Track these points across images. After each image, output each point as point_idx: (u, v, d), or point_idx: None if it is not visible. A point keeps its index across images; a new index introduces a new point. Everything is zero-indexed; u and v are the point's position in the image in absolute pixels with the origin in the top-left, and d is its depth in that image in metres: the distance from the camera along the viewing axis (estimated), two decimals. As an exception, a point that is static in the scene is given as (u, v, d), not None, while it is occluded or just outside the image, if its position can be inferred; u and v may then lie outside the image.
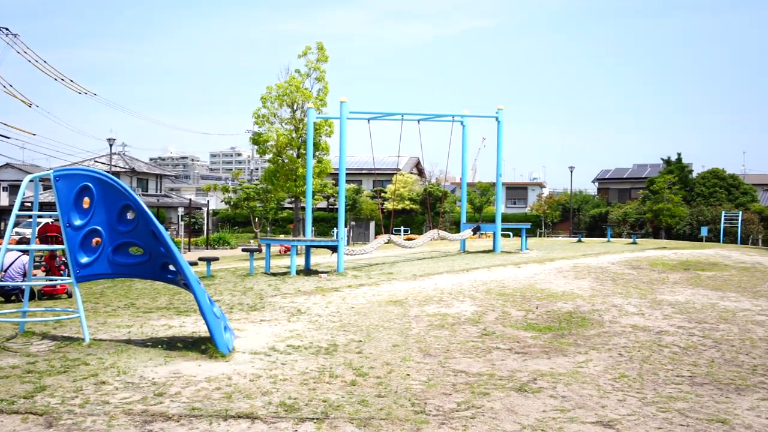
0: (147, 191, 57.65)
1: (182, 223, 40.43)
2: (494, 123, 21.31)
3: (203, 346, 8.50)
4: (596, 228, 50.57)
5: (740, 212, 42.95)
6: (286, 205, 42.10)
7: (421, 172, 61.91)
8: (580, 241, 28.74)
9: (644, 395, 6.92)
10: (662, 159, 54.11)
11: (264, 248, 18.31)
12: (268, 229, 38.45)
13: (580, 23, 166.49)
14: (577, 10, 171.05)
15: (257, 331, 9.71)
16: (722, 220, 42.20)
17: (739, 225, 41.63)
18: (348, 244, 34.89)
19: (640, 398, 6.82)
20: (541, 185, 67.32)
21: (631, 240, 28.30)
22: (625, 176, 64.13)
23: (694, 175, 53.65)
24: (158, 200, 54.46)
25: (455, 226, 40.75)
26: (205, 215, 50.46)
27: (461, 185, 23.23)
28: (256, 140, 25.53)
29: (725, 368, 8.05)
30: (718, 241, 40.01)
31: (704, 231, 41.26)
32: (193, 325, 10.10)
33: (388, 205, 45.73)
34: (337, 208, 18.43)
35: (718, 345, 9.23)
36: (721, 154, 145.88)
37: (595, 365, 8.08)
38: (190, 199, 52.80)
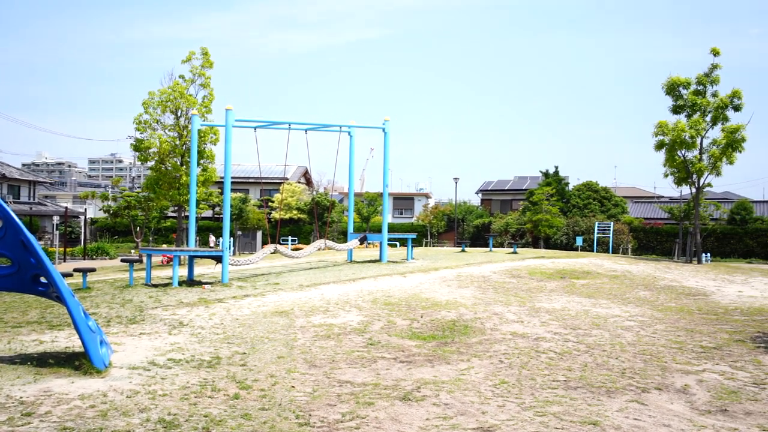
0: (19, 198, 54.46)
1: (57, 232, 38.44)
2: (381, 134, 21.55)
3: (77, 361, 8.09)
4: (480, 238, 52.01)
5: (612, 223, 45.31)
6: (170, 214, 40.87)
7: (309, 182, 61.73)
8: (463, 250, 29.46)
9: (522, 400, 7.16)
10: (541, 172, 56.34)
11: (145, 259, 17.68)
12: (150, 238, 37.16)
13: (466, 37, 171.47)
14: (464, 24, 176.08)
15: (136, 345, 9.36)
16: (595, 231, 44.39)
17: (611, 235, 43.92)
18: (233, 254, 34.26)
19: (519, 403, 7.05)
20: (427, 196, 68.55)
21: (511, 249, 29.28)
22: (506, 188, 66.35)
23: (570, 187, 56.13)
24: (31, 208, 51.55)
25: (343, 236, 40.86)
26: (82, 224, 48.21)
27: (349, 195, 23.34)
28: (138, 147, 24.64)
29: (597, 372, 8.46)
30: (592, 251, 42.06)
31: (579, 241, 43.25)
32: (67, 340, 9.60)
33: (276, 215, 45.25)
34: (222, 218, 18.06)
35: (590, 350, 9.68)
36: (595, 167, 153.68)
37: (477, 372, 8.28)
38: (66, 207, 50.34)
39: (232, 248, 35.05)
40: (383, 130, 21.48)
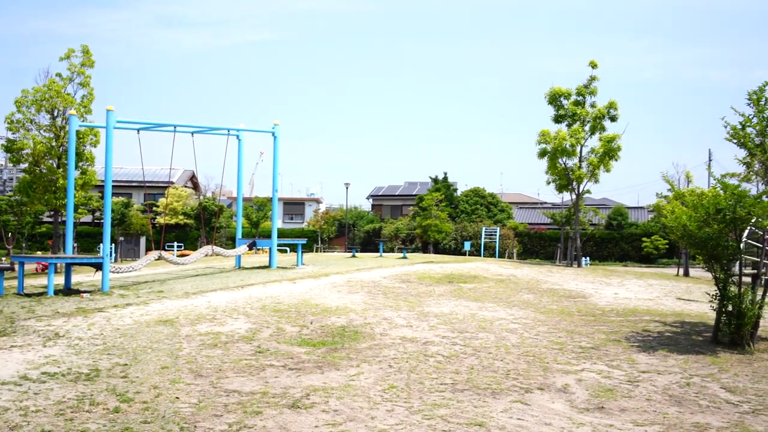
0: None
1: None
2: (271, 138, 21.29)
3: (-62, 378, 7.51)
4: (370, 243, 52.36)
5: (498, 228, 46.72)
6: (46, 219, 38.83)
7: (196, 186, 60.18)
8: (354, 256, 29.54)
9: (411, 404, 7.21)
10: (431, 177, 57.43)
11: (17, 266, 16.66)
12: (24, 245, 35.11)
13: (358, 42, 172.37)
14: (356, 29, 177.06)
15: (6, 359, 8.78)
16: (483, 236, 45.62)
17: (497, 240, 45.24)
18: (115, 261, 32.91)
19: (408, 407, 7.09)
20: (318, 201, 68.43)
21: (401, 254, 29.61)
22: (397, 193, 67.17)
23: (459, 193, 57.49)
24: None
25: (231, 242, 40.06)
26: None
27: (237, 200, 22.89)
28: (10, 148, 23.23)
29: (483, 374, 8.64)
30: (480, 255, 43.18)
31: (467, 246, 44.32)
32: (-73, 355, 8.90)
33: (160, 220, 43.85)
34: (103, 223, 17.27)
35: (477, 353, 9.89)
36: (482, 174, 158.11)
37: (366, 377, 8.28)
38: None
39: (113, 255, 33.66)
40: (273, 134, 21.22)
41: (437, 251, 45.48)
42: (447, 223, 45.48)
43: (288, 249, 32.54)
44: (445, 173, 56.42)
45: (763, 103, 11.55)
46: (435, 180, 56.31)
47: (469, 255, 41.56)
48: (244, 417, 6.59)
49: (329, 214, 56.82)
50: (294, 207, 67.32)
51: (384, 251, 35.32)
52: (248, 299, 13.87)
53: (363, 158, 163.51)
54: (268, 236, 23.59)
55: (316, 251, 48.96)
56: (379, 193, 67.66)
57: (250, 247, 22.01)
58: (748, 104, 11.74)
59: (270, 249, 21.55)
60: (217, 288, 15.49)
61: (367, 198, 68.28)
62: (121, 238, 39.47)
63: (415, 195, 59.53)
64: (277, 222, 22.97)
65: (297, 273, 18.78)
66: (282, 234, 49.30)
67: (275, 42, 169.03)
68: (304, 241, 23.50)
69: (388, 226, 53.13)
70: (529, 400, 7.56)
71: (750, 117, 11.75)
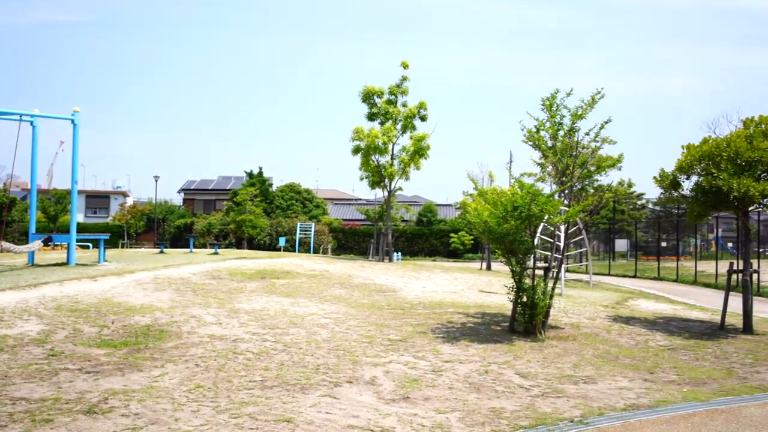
0: None
1: None
2: (70, 126, 19.84)
3: None
4: (181, 239, 50.66)
5: (313, 224, 46.99)
6: None
7: (-15, 176, 55.03)
8: (162, 252, 28.38)
9: (218, 403, 7.00)
10: (246, 172, 56.56)
11: None
12: None
13: (171, 32, 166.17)
14: (167, 17, 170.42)
15: None
16: (298, 231, 45.66)
17: (312, 236, 45.49)
18: None
19: (214, 407, 6.88)
20: (124, 194, 65.00)
21: (213, 250, 28.89)
22: (210, 187, 65.50)
23: (274, 188, 57.15)
24: None
25: (25, 237, 37.00)
26: None
27: (31, 192, 21.15)
28: None
29: (293, 370, 8.60)
30: (294, 251, 43.19)
31: (282, 241, 44.16)
32: None
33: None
34: None
35: (287, 348, 9.83)
36: (298, 169, 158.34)
37: (171, 378, 7.95)
38: None
39: None
40: (72, 121, 19.77)
41: (251, 247, 44.92)
42: (262, 218, 45.03)
43: (90, 245, 30.64)
44: (261, 168, 55.85)
45: (554, 108, 12.49)
46: (250, 174, 55.56)
47: (284, 251, 41.43)
48: (32, 426, 6.07)
49: (137, 209, 54.21)
50: (98, 200, 63.48)
51: (195, 247, 34.27)
52: (42, 299, 12.84)
53: (174, 151, 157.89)
54: (68, 231, 22.02)
55: (122, 247, 46.52)
56: (191, 187, 65.65)
57: (46, 242, 20.42)
58: (542, 109, 12.64)
59: (69, 245, 20.12)
60: (6, 287, 14.20)
61: (179, 192, 66.02)
62: None
63: (229, 189, 58.43)
64: (79, 216, 21.51)
65: (98, 270, 17.69)
66: (84, 229, 46.33)
67: (75, 24, 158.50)
68: (107, 236, 22.19)
69: (200, 221, 51.67)
70: (338, 393, 7.62)
71: (543, 121, 12.66)
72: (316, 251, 44.80)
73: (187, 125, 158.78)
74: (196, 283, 15.83)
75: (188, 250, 31.68)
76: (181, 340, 10.07)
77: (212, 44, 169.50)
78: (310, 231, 45.64)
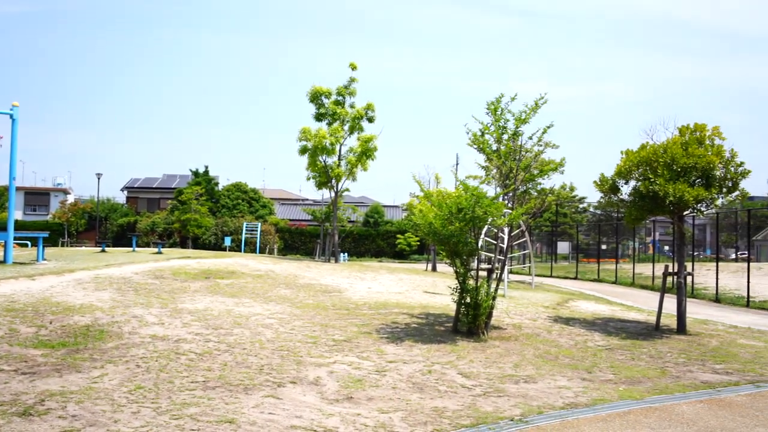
0: None
1: None
2: (8, 121, 19.31)
3: None
4: (124, 237, 49.66)
5: (260, 224, 46.65)
6: None
7: None
8: (104, 250, 27.81)
9: (159, 405, 6.93)
10: (191, 170, 55.81)
11: None
12: None
13: (116, 27, 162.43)
14: (112, 13, 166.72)
15: None
16: (244, 231, 45.28)
17: (258, 235, 45.16)
18: None
19: (155, 408, 6.81)
20: (65, 191, 63.38)
21: (156, 249, 28.42)
22: (154, 186, 64.38)
23: (220, 187, 56.53)
24: None
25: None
26: None
27: (-33, 188, 20.50)
28: None
29: (236, 370, 8.56)
30: (240, 251, 42.80)
31: (228, 241, 43.71)
32: None
33: None
34: None
35: (231, 349, 9.77)
36: (245, 168, 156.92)
37: (111, 379, 7.83)
38: None
39: None
40: (11, 116, 19.25)
41: (196, 246, 44.35)
42: (207, 217, 44.52)
43: (29, 243, 29.83)
44: (206, 167, 55.19)
45: (499, 112, 12.70)
46: (196, 173, 54.86)
47: (229, 250, 41.02)
48: (-37, 429, 5.92)
49: (78, 206, 52.95)
50: (37, 197, 61.79)
51: (138, 246, 33.66)
52: (-24, 298, 12.47)
53: (118, 148, 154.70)
54: (4, 228, 21.39)
55: (62, 245, 45.36)
56: (135, 185, 64.46)
57: (-18, 240, 19.81)
58: (487, 113, 12.84)
59: (5, 243, 19.57)
60: (-62, 286, 13.76)
61: (122, 190, 64.74)
62: None
63: (174, 188, 57.57)
64: (17, 213, 20.92)
65: (37, 269, 17.25)
66: (23, 226, 45.05)
67: (21, 15, 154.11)
68: (46, 234, 21.63)
69: (144, 220, 50.77)
70: (281, 394, 7.62)
71: (488, 125, 12.86)
72: (262, 251, 44.47)
73: (132, 122, 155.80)
74: (139, 283, 15.57)
75: (131, 249, 31.11)
76: (122, 341, 9.91)
77: (158, 41, 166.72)
78: (257, 231, 45.28)
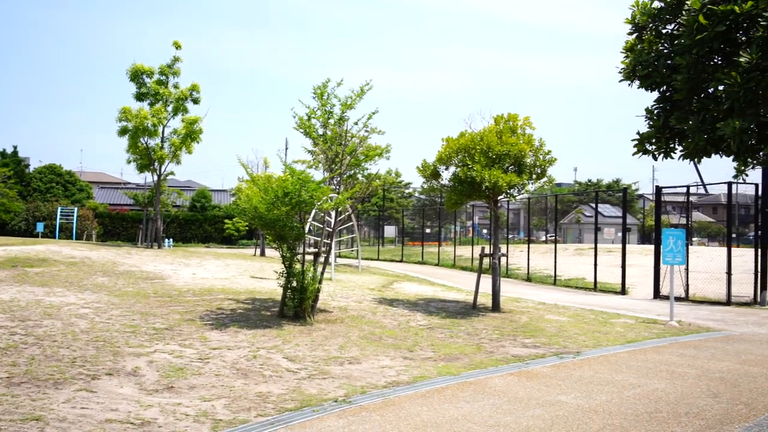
0: None
1: None
2: None
3: None
4: None
5: (76, 208, 43.93)
6: None
7: None
8: None
9: (-46, 405, 6.36)
10: (-3, 151, 51.40)
11: None
12: None
13: None
14: None
15: None
16: (58, 216, 42.45)
17: (75, 221, 42.54)
18: None
19: (-51, 409, 6.24)
20: None
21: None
22: (-47, 167, 58.64)
23: (31, 169, 52.60)
24: None
25: None
26: None
27: None
28: None
29: (45, 364, 8.02)
30: (55, 237, 40.09)
31: (40, 227, 40.80)
32: None
33: None
34: None
35: (40, 342, 9.15)
36: (60, 150, 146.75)
37: None
38: None
39: None
40: None
41: (5, 233, 41.05)
42: (17, 202, 41.26)
43: None
44: (15, 147, 51.10)
45: (325, 97, 12.76)
46: (2, 154, 50.61)
47: (42, 237, 38.37)
48: None
49: None
50: None
51: (-66, 233, 30.56)
52: None
53: None
54: None
55: None
56: (-70, 166, 58.41)
57: None
58: (314, 98, 12.86)
59: None
60: None
61: None
62: None
63: (-24, 170, 52.75)
64: None
65: None
66: None
67: None
68: None
69: (-59, 205, 46.13)
70: (95, 387, 7.24)
71: (315, 109, 12.89)
72: (79, 238, 41.93)
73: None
74: (-68, 274, 14.18)
75: (-76, 236, 28.19)
76: None
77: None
78: (73, 216, 42.62)
